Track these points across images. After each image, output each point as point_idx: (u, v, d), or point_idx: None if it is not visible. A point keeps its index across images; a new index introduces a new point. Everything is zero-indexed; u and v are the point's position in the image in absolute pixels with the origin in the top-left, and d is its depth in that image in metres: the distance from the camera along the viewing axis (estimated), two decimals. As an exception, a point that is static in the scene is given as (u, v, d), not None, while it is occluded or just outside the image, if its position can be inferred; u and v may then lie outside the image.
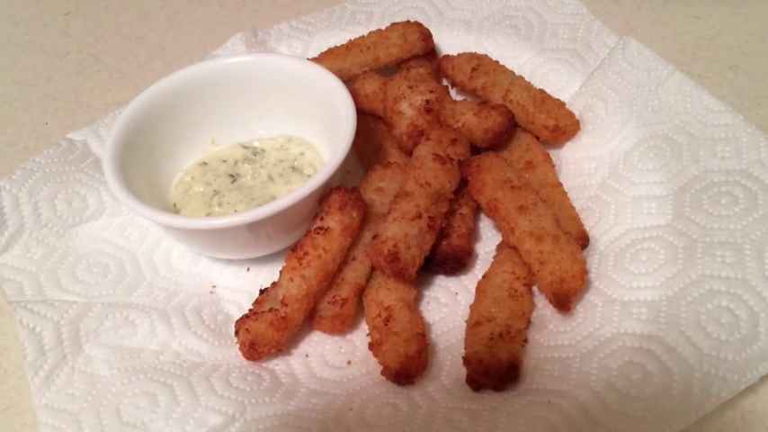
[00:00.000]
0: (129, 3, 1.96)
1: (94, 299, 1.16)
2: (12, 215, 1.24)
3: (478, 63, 1.39)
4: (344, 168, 1.22)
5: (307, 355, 1.11)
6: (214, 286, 1.23)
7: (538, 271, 1.07)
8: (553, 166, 1.26)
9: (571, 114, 1.30)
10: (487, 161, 1.19)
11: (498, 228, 1.16)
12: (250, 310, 1.11)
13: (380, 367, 1.04)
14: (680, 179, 1.15)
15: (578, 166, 1.29)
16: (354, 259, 1.14)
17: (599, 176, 1.25)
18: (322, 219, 1.11)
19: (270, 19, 1.80)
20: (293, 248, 1.11)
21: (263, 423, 0.98)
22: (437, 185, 1.15)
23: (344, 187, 1.14)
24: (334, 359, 1.11)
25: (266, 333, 1.07)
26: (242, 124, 1.38)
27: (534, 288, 1.13)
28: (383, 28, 1.45)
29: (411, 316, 1.08)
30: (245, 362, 1.10)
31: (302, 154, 1.35)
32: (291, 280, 1.08)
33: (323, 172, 1.12)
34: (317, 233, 1.10)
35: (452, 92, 1.44)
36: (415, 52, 1.43)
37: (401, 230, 1.08)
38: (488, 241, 1.25)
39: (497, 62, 1.40)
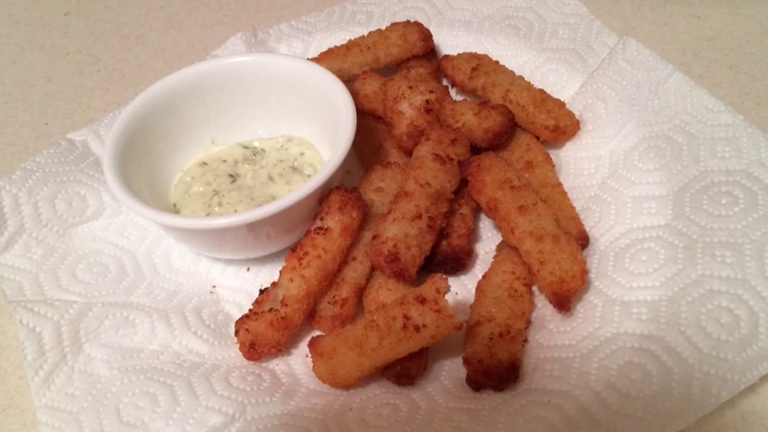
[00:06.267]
0: (129, 3, 1.96)
1: (94, 299, 1.16)
2: (12, 215, 1.24)
3: (478, 63, 1.39)
4: (344, 168, 1.22)
5: (307, 355, 1.11)
6: (214, 286, 1.23)
7: (538, 271, 1.07)
8: (553, 166, 1.26)
9: (571, 114, 1.30)
10: (487, 161, 1.19)
11: (498, 228, 1.16)
12: (250, 310, 1.12)
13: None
14: (680, 179, 1.15)
15: (578, 166, 1.29)
16: (354, 259, 1.14)
17: (599, 176, 1.25)
18: (322, 219, 1.11)
19: (270, 19, 1.80)
20: (293, 248, 1.11)
21: (263, 423, 0.98)
22: (437, 185, 1.15)
23: (344, 187, 1.14)
24: (335, 359, 1.11)
25: (266, 333, 1.07)
26: (242, 124, 1.38)
27: (534, 288, 1.13)
28: (383, 28, 1.45)
29: (411, 316, 1.08)
30: (245, 362, 1.10)
31: (302, 154, 1.35)
32: (291, 280, 1.08)
33: (323, 172, 1.12)
34: (317, 233, 1.10)
35: (452, 92, 1.44)
36: (415, 52, 1.43)
37: (401, 231, 1.08)
38: (488, 241, 1.25)
39: (497, 62, 1.40)
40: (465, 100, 1.33)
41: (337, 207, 1.11)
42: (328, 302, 1.11)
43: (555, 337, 1.06)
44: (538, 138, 1.31)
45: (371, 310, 1.09)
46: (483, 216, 1.27)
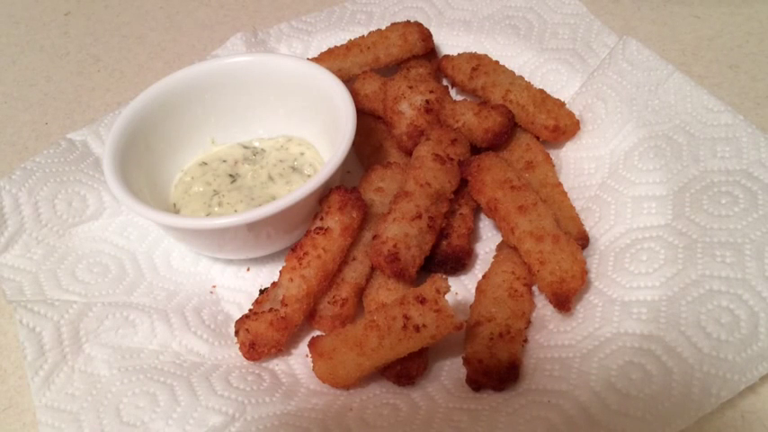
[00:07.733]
0: (129, 3, 1.96)
1: (94, 299, 1.16)
2: (12, 215, 1.24)
3: (478, 63, 1.39)
4: (344, 168, 1.22)
5: (307, 355, 1.11)
6: (214, 286, 1.23)
7: (538, 271, 1.07)
8: (553, 166, 1.26)
9: (571, 114, 1.30)
10: (487, 161, 1.19)
11: (498, 228, 1.16)
12: (250, 310, 1.12)
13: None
14: (680, 179, 1.15)
15: (578, 166, 1.29)
16: (354, 259, 1.14)
17: (599, 176, 1.25)
18: (322, 219, 1.11)
19: (270, 19, 1.80)
20: (293, 248, 1.11)
21: (263, 423, 0.98)
22: (437, 185, 1.15)
23: (344, 187, 1.14)
24: (335, 359, 1.11)
25: (266, 333, 1.07)
26: (242, 124, 1.38)
27: (534, 288, 1.13)
28: (383, 28, 1.45)
29: (411, 316, 1.07)
30: (245, 362, 1.10)
31: (302, 154, 1.35)
32: (291, 280, 1.08)
33: (323, 172, 1.12)
34: (317, 233, 1.10)
35: (452, 92, 1.44)
36: (415, 52, 1.43)
37: (401, 230, 1.08)
38: (488, 241, 1.25)
39: (497, 62, 1.40)
40: (465, 100, 1.33)
41: (337, 207, 1.11)
42: (328, 302, 1.11)
43: (555, 337, 1.06)
44: (538, 138, 1.31)
45: (371, 310, 1.09)
46: (483, 216, 1.27)
